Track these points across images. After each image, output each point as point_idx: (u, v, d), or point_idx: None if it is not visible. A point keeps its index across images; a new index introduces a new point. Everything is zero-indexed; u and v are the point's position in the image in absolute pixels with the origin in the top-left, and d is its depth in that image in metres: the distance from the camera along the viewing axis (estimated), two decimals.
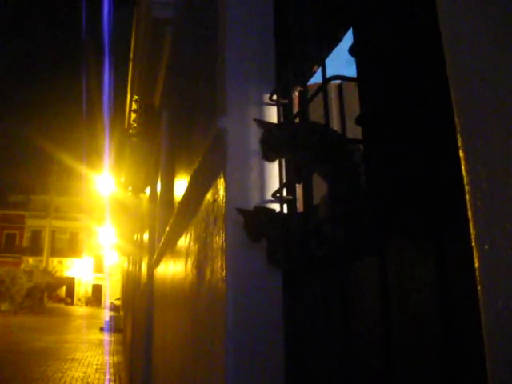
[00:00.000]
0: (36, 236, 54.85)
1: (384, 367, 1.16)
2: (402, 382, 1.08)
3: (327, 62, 1.73)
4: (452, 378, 0.91)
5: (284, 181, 1.89)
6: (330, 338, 1.49)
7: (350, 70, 1.51)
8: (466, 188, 0.58)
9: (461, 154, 0.59)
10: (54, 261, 52.40)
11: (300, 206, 1.90)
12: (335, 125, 2.06)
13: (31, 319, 26.10)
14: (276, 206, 1.90)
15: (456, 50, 0.64)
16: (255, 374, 1.76)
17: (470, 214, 0.57)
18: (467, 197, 0.58)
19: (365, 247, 1.34)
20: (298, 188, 1.91)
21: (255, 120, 1.71)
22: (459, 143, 0.59)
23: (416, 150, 1.10)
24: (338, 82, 2.04)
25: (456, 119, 0.60)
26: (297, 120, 1.86)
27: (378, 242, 1.23)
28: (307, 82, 1.86)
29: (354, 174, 1.42)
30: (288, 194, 1.89)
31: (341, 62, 1.77)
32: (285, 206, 1.91)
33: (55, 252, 52.79)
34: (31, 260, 50.56)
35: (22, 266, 44.27)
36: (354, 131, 1.65)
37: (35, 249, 52.98)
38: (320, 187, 1.66)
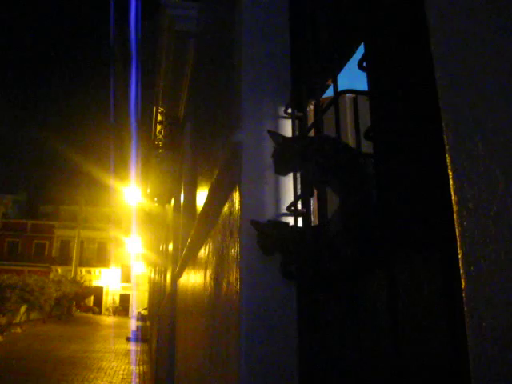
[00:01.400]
0: (65, 246, 55.43)
1: (395, 379, 1.15)
2: None
3: (344, 74, 1.74)
4: None
5: (298, 194, 1.89)
6: (343, 349, 1.48)
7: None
8: (454, 207, 0.57)
9: (449, 172, 0.59)
10: (83, 270, 52.86)
11: (315, 220, 1.90)
12: (350, 138, 2.05)
13: (59, 328, 26.36)
14: (291, 219, 1.90)
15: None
16: None
17: (457, 233, 0.57)
18: (455, 216, 0.57)
19: (375, 260, 1.33)
20: (314, 201, 1.90)
21: (269, 132, 1.71)
22: (448, 162, 0.59)
23: (425, 163, 1.10)
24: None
25: (444, 137, 0.60)
26: (312, 133, 1.86)
27: (388, 255, 1.23)
28: (321, 95, 1.86)
29: (365, 187, 1.41)
30: (302, 207, 1.89)
31: (358, 74, 1.77)
32: (300, 219, 1.91)
33: (84, 262, 53.28)
34: (60, 270, 51.08)
35: (51, 275, 44.77)
36: (370, 144, 1.64)
37: (64, 258, 53.54)
38: (336, 200, 1.66)
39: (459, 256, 0.57)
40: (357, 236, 1.41)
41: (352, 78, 1.76)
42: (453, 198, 0.58)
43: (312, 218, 1.89)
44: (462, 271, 0.56)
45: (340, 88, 1.63)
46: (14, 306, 21.08)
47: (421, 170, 1.12)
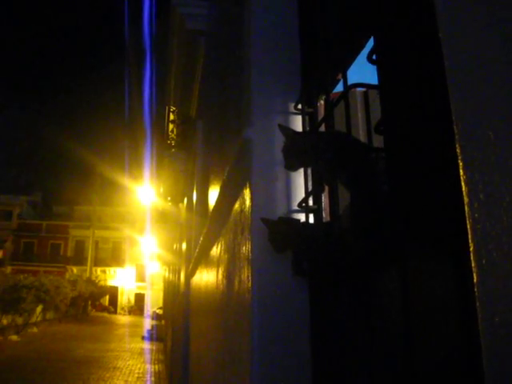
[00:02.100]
0: (80, 246, 55.78)
1: (407, 374, 1.14)
2: None
3: (355, 68, 1.72)
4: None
5: (309, 190, 1.87)
6: (356, 346, 1.47)
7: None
8: (465, 199, 0.56)
9: (459, 163, 0.57)
10: (98, 270, 53.16)
11: (327, 216, 1.88)
12: (362, 132, 2.03)
13: (75, 327, 26.54)
14: (302, 216, 1.88)
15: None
16: None
17: (468, 225, 0.55)
18: (466, 208, 0.56)
19: (386, 255, 1.31)
20: (325, 197, 1.88)
21: (279, 126, 1.69)
22: (458, 152, 0.57)
23: (436, 156, 1.07)
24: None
25: (454, 127, 0.58)
26: (322, 128, 1.84)
27: (399, 249, 1.21)
28: (332, 90, 1.84)
29: (376, 182, 1.39)
30: (314, 203, 1.87)
31: (369, 68, 1.74)
32: (311, 215, 1.89)
33: (98, 262, 53.55)
34: (75, 269, 51.43)
35: (67, 275, 45.08)
36: (381, 139, 1.62)
37: (79, 258, 53.89)
38: (347, 196, 1.64)
39: (470, 249, 0.55)
40: (368, 231, 1.39)
41: (363, 71, 1.74)
42: (463, 189, 0.56)
43: (324, 214, 1.87)
44: (473, 265, 0.54)
45: (351, 82, 1.61)
46: (31, 306, 21.23)
47: (432, 163, 1.10)
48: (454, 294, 0.96)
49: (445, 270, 1.01)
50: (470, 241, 0.55)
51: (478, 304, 0.53)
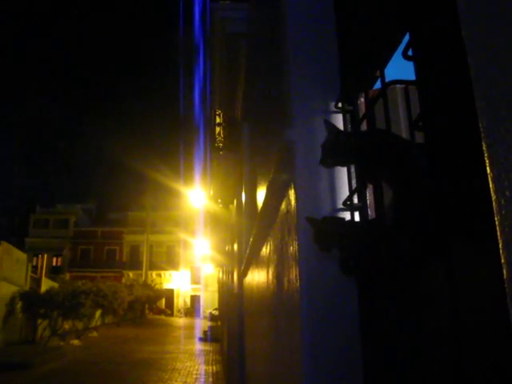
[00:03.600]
0: (135, 251, 56.65)
1: (454, 369, 1.13)
2: None
3: (396, 63, 1.71)
4: None
5: (353, 188, 1.88)
6: (405, 343, 1.46)
7: None
8: (492, 196, 0.56)
9: (486, 160, 0.57)
10: (153, 274, 53.88)
11: (373, 213, 1.88)
12: (404, 129, 2.02)
13: (133, 331, 27.01)
14: (347, 214, 1.89)
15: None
16: None
17: (496, 222, 0.56)
18: (494, 205, 0.56)
19: (431, 251, 1.31)
20: (370, 194, 1.88)
21: (325, 121, 1.68)
22: (484, 149, 0.58)
23: (478, 151, 1.07)
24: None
25: (480, 125, 0.59)
26: (364, 125, 1.84)
27: (444, 245, 1.21)
28: (371, 87, 1.84)
29: (418, 178, 1.39)
30: (359, 201, 1.87)
31: (409, 63, 1.74)
32: (357, 213, 1.90)
33: (153, 265, 54.22)
34: (131, 274, 52.34)
35: (123, 280, 45.90)
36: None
37: (134, 263, 54.76)
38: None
39: (499, 245, 0.56)
40: (412, 228, 1.39)
41: (405, 66, 1.73)
42: (491, 186, 0.57)
43: (369, 212, 1.87)
44: (503, 261, 0.55)
45: (393, 77, 1.61)
46: (90, 311, 21.73)
47: (474, 158, 1.09)
48: (500, 289, 0.95)
49: (491, 264, 1.00)
50: (498, 237, 0.56)
51: (508, 299, 0.54)
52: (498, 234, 0.56)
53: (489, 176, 0.57)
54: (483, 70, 0.60)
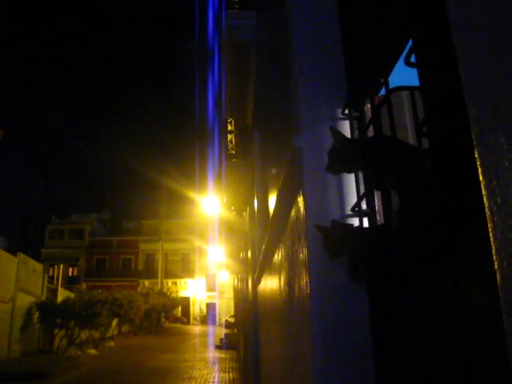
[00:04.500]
0: (150, 259, 56.83)
1: (463, 378, 1.14)
2: None
3: (402, 70, 1.72)
4: None
5: (361, 194, 1.88)
6: (415, 348, 1.47)
7: None
8: (485, 203, 0.57)
9: (478, 167, 0.58)
10: (169, 282, 53.95)
11: (382, 219, 1.89)
12: (411, 135, 2.03)
13: (150, 339, 27.05)
14: (356, 220, 1.89)
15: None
16: None
17: (489, 228, 0.56)
18: (486, 211, 0.57)
19: (438, 257, 1.31)
20: (379, 200, 1.89)
21: (331, 128, 1.69)
22: (476, 156, 0.59)
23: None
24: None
25: (472, 132, 0.60)
26: (370, 131, 1.85)
27: (451, 251, 1.21)
28: (377, 93, 1.85)
29: (424, 184, 1.39)
30: (367, 206, 1.88)
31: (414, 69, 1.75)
32: (365, 219, 1.90)
33: (169, 274, 54.29)
34: (147, 282, 52.48)
35: (139, 288, 46.01)
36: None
37: (150, 272, 54.88)
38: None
39: (493, 251, 0.56)
40: (418, 234, 1.40)
41: (410, 73, 1.74)
42: (483, 192, 0.58)
43: (378, 217, 1.88)
44: (496, 266, 0.56)
45: (396, 84, 1.62)
46: (106, 321, 21.78)
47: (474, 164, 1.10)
48: None
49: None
50: (491, 243, 0.57)
51: (502, 304, 0.55)
52: (491, 240, 0.57)
53: (481, 183, 0.58)
54: (472, 78, 0.61)
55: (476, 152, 0.59)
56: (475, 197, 1.10)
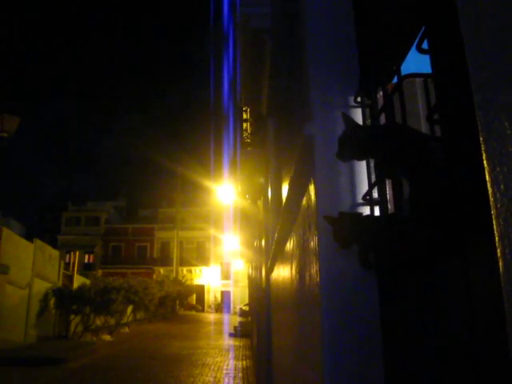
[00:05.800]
0: (165, 247, 57.13)
1: (471, 367, 1.13)
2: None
3: (416, 57, 1.70)
4: None
5: (373, 182, 1.87)
6: (424, 339, 1.46)
7: None
8: (489, 190, 0.56)
9: (483, 153, 0.57)
10: (184, 270, 54.19)
11: (393, 207, 1.87)
12: (423, 122, 2.00)
13: (164, 326, 27.23)
14: (367, 209, 1.88)
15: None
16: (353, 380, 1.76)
17: (492, 215, 0.55)
18: (490, 198, 0.56)
19: (448, 246, 1.30)
20: (390, 188, 1.87)
21: (343, 114, 1.68)
22: (481, 142, 0.58)
23: None
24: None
25: (477, 117, 0.58)
26: (382, 119, 1.84)
27: (461, 240, 1.20)
28: (390, 81, 1.83)
29: (435, 172, 1.38)
30: (378, 195, 1.86)
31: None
32: (377, 207, 1.89)
33: (184, 261, 54.52)
34: (162, 270, 52.80)
35: (154, 276, 46.28)
36: None
37: (165, 259, 55.22)
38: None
39: (496, 239, 0.55)
40: (428, 222, 1.38)
41: (424, 60, 1.72)
42: (487, 179, 0.57)
43: (390, 206, 1.86)
44: (498, 254, 0.55)
45: (411, 71, 1.60)
46: (121, 307, 21.95)
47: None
48: None
49: None
50: (495, 231, 0.56)
51: (503, 293, 0.54)
52: (495, 227, 0.56)
53: (485, 169, 0.57)
54: (478, 63, 0.60)
55: (481, 137, 0.58)
56: (485, 184, 1.09)
